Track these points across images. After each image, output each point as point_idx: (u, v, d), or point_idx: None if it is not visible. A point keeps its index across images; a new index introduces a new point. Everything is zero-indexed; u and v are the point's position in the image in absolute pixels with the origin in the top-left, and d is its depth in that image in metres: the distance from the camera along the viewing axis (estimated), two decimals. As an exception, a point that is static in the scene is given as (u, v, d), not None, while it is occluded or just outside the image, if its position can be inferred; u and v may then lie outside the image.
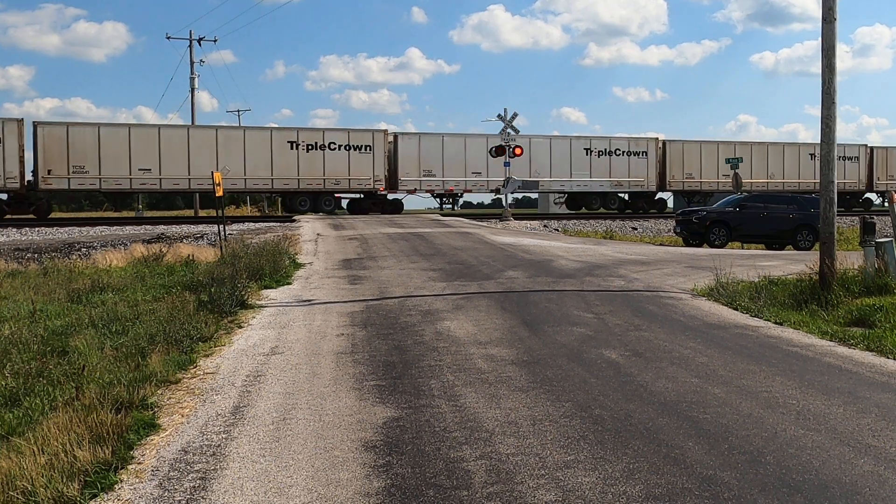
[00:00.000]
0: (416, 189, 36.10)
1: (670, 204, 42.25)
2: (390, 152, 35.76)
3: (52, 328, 8.75)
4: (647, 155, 39.47)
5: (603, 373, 6.52)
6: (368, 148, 34.75)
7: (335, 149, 34.47)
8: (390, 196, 36.17)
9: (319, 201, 34.60)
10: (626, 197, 40.08)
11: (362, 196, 35.88)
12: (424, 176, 35.94)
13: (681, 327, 8.67)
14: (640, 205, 39.96)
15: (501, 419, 5.24)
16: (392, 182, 35.75)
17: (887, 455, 4.56)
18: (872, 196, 45.60)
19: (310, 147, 34.18)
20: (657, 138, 40.42)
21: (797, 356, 7.29)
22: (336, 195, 35.28)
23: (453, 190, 36.66)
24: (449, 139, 36.44)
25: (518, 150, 32.76)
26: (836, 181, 10.83)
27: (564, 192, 39.67)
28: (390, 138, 35.98)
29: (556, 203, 43.38)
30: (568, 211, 41.40)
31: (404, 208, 37.54)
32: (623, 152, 39.08)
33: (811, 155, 41.89)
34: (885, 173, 44.04)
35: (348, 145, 34.59)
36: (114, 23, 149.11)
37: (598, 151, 38.65)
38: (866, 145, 44.36)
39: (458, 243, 19.22)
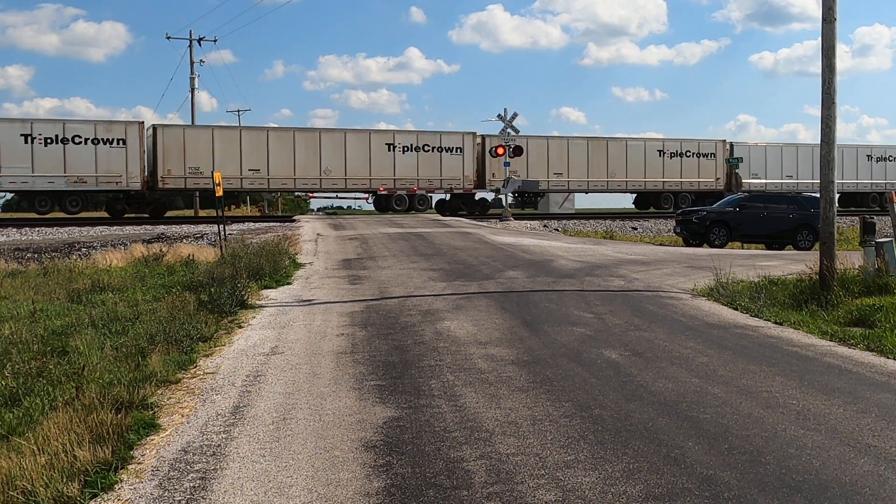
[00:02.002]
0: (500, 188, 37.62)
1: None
2: (479, 153, 37.15)
3: (52, 328, 8.75)
4: (715, 157, 40.86)
5: (603, 373, 6.52)
6: (459, 150, 36.30)
7: (429, 150, 35.89)
8: (478, 195, 37.96)
9: (415, 200, 36.11)
10: (694, 197, 40.82)
11: (449, 196, 37.49)
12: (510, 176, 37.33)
13: (681, 327, 8.67)
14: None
15: (501, 419, 5.24)
16: (480, 182, 37.31)
17: (887, 455, 4.56)
18: None
19: (405, 149, 35.73)
20: (725, 140, 41.80)
21: (797, 356, 7.29)
22: (429, 194, 36.87)
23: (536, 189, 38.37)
24: (532, 141, 37.88)
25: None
26: (835, 181, 10.83)
27: (637, 191, 40.96)
28: (479, 140, 37.35)
29: (560, 208, 43.85)
30: (568, 211, 41.89)
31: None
32: (693, 154, 40.52)
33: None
34: None
35: (440, 147, 35.99)
36: (113, 23, 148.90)
37: (670, 153, 40.03)
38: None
39: (458, 243, 19.22)
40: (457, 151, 36.36)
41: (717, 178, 40.66)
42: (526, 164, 37.02)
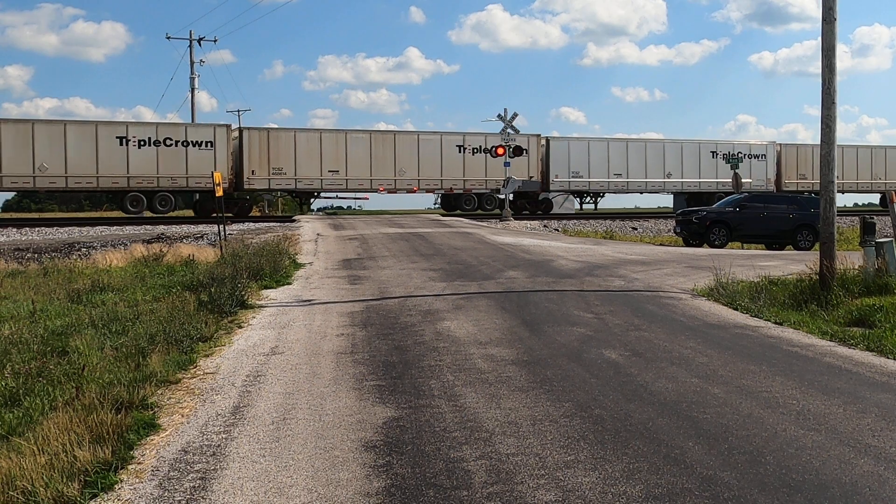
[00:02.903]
0: (565, 189, 39.14)
1: None
2: (543, 155, 38.22)
3: (52, 328, 8.74)
4: (765, 157, 42.11)
5: (603, 373, 6.52)
6: (525, 151, 36.71)
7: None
8: (541, 196, 38.78)
9: (483, 200, 37.12)
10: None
11: (512, 196, 38.16)
12: (573, 177, 38.67)
13: (681, 327, 8.67)
14: None
15: (501, 419, 5.24)
16: (544, 183, 38.36)
17: (887, 455, 4.56)
18: None
19: (475, 150, 36.98)
20: (774, 142, 43.10)
21: (797, 356, 7.29)
22: (496, 194, 37.61)
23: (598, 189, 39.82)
24: (594, 143, 39.02)
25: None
26: (836, 181, 10.83)
27: (690, 192, 41.62)
28: (543, 142, 38.42)
29: (560, 208, 44.21)
30: (568, 212, 42.14)
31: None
32: (745, 155, 41.42)
33: None
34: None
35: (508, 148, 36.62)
36: (112, 23, 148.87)
37: (723, 154, 40.54)
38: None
39: (458, 243, 19.22)
40: (523, 153, 36.99)
41: (769, 179, 41.81)
42: (588, 166, 38.33)
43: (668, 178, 40.15)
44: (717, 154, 41.03)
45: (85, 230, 26.24)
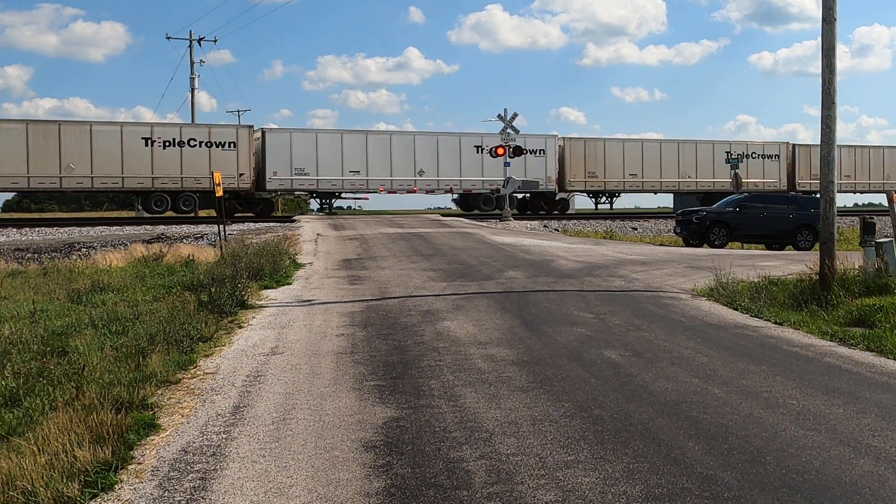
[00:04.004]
0: (582, 189, 39.88)
1: None
2: (560, 155, 38.77)
3: (52, 328, 8.75)
4: (779, 158, 42.52)
5: (603, 373, 6.52)
6: (542, 152, 37.85)
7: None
8: (558, 196, 39.49)
9: (502, 200, 37.20)
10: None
11: (530, 195, 39.01)
12: (589, 177, 39.24)
13: (681, 327, 8.67)
14: None
15: (501, 419, 5.24)
16: (561, 183, 38.91)
17: (887, 455, 4.56)
18: None
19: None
20: (787, 143, 43.38)
21: (797, 356, 7.29)
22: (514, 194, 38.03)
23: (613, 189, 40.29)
24: (610, 143, 39.74)
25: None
26: (836, 181, 10.82)
27: (704, 192, 41.64)
28: (560, 142, 38.91)
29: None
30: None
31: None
32: (759, 155, 41.97)
33: None
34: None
35: (524, 149, 36.66)
36: (112, 23, 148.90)
37: (737, 155, 40.59)
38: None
39: (458, 243, 19.22)
40: (540, 154, 37.95)
41: (779, 179, 42.15)
42: (604, 166, 38.80)
43: (685, 178, 40.60)
44: (730, 154, 41.09)
45: (85, 230, 26.24)
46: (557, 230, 30.18)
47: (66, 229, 26.20)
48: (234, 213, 33.81)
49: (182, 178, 32.56)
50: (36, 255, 19.86)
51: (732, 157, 36.85)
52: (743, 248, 22.92)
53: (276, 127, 36.40)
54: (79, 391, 5.82)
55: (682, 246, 22.94)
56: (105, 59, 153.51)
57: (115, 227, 27.09)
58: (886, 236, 11.50)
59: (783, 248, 23.07)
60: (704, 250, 20.65)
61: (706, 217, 23.26)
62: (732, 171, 29.93)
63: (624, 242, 24.06)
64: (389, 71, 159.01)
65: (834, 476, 4.23)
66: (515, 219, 33.30)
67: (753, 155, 42.01)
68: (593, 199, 41.59)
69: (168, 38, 46.08)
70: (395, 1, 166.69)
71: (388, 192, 36.64)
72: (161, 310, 9.60)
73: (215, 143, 33.05)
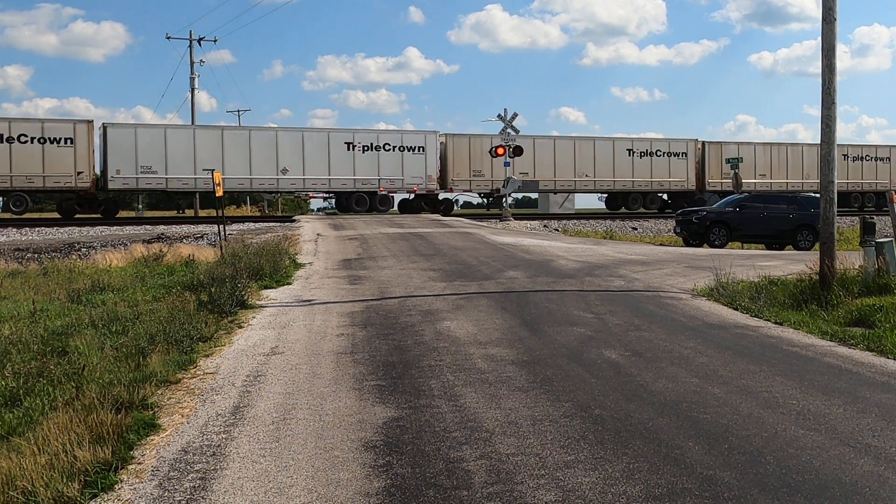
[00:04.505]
0: (467, 189, 39.02)
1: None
2: (443, 153, 37.89)
3: (52, 328, 8.74)
4: (686, 156, 41.12)
5: (603, 373, 6.52)
6: (421, 149, 36.86)
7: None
8: (442, 195, 38.57)
9: (375, 200, 37.57)
10: (666, 197, 41.64)
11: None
12: (474, 176, 38.21)
13: (681, 327, 8.67)
14: (680, 204, 40.56)
15: (501, 419, 5.24)
16: (443, 182, 37.96)
17: (887, 455, 4.56)
18: None
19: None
20: (696, 140, 41.68)
21: (797, 356, 7.29)
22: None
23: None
24: (497, 140, 39.15)
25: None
26: (836, 181, 10.82)
27: (604, 192, 41.41)
28: (442, 139, 37.97)
29: (560, 208, 44.33)
30: (568, 211, 42.25)
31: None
32: (663, 153, 40.65)
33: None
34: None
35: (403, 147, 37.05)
36: (112, 23, 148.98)
37: (640, 153, 40.25)
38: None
39: (458, 243, 19.22)
40: (419, 151, 37.23)
41: (687, 179, 40.99)
42: (491, 164, 37.62)
43: (581, 177, 39.40)
44: (632, 151, 40.47)
45: (85, 230, 26.24)
46: (557, 230, 30.19)
47: (66, 229, 26.21)
48: (73, 214, 31.99)
49: (11, 176, 30.31)
50: (36, 255, 19.86)
51: (733, 158, 36.83)
52: (743, 248, 22.93)
53: (119, 122, 34.72)
54: (79, 391, 5.82)
55: (682, 246, 22.94)
56: (105, 59, 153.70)
57: (115, 227, 27.10)
58: (886, 236, 11.49)
59: (783, 248, 23.07)
60: (704, 250, 20.65)
61: (706, 217, 23.26)
62: (732, 172, 29.93)
63: (624, 242, 24.06)
64: (389, 71, 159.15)
65: (834, 476, 4.23)
66: (513, 218, 33.29)
67: (658, 153, 40.33)
68: (484, 199, 39.23)
69: (168, 38, 45.91)
70: (394, 1, 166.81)
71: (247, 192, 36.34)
72: (161, 310, 9.59)
73: (49, 138, 30.87)
